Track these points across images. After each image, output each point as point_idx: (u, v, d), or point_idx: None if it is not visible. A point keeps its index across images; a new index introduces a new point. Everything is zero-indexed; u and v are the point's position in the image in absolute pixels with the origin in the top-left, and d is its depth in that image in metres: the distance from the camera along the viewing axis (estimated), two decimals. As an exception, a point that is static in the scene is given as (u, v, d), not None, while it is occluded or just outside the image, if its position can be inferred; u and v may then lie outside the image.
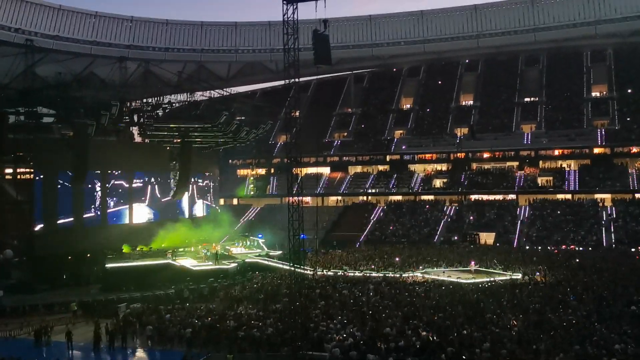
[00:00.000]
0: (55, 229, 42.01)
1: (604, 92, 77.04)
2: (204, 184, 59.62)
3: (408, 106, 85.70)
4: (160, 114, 46.06)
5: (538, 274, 38.22)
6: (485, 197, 67.61)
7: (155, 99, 46.97)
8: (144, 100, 46.87)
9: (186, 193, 52.71)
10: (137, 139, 50.03)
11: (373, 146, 78.74)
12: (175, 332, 26.12)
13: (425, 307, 28.33)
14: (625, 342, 21.37)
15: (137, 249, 46.19)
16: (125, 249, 45.22)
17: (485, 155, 72.60)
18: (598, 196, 63.09)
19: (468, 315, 26.29)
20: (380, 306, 29.02)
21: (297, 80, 25.59)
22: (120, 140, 48.43)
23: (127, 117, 46.14)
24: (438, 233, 61.39)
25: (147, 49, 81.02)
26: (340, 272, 40.58)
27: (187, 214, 55.40)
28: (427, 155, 75.32)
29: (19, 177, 44.10)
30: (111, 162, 46.60)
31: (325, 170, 78.47)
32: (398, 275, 38.93)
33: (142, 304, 32.54)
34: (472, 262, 41.92)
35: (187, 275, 40.09)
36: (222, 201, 69.15)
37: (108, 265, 40.78)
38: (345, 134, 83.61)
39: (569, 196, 64.43)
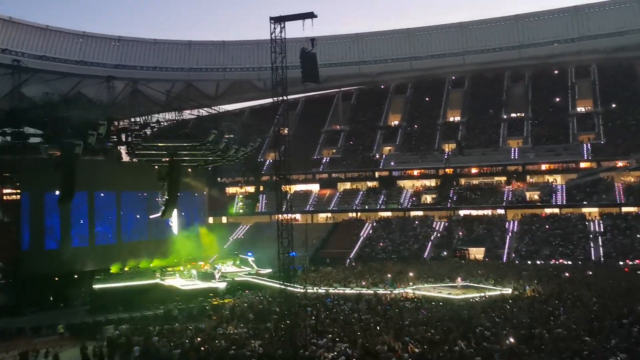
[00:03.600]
0: (42, 250, 41.55)
1: (589, 107, 78.05)
2: (193, 203, 59.26)
3: (396, 123, 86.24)
4: (148, 133, 45.83)
5: (528, 288, 38.29)
6: (474, 212, 67.89)
7: (144, 118, 46.75)
8: (132, 120, 46.66)
9: (175, 211, 52.36)
10: (125, 158, 49.77)
11: (362, 163, 79.02)
12: (164, 353, 25.76)
13: (416, 323, 28.23)
14: (616, 355, 21.38)
15: (125, 268, 45.75)
16: (113, 269, 44.79)
17: (473, 170, 73.07)
18: (585, 210, 63.58)
19: (459, 330, 26.23)
20: (372, 323, 28.88)
21: (285, 98, 25.73)
22: (108, 159, 48.11)
23: (114, 137, 45.84)
24: (428, 249, 61.45)
25: (135, 68, 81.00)
26: (330, 290, 40.42)
27: (174, 233, 55.00)
28: (415, 171, 75.64)
29: (5, 198, 43.68)
30: (99, 182, 46.31)
31: (315, 188, 78.50)
32: (389, 292, 38.85)
33: (130, 325, 32.15)
34: (459, 279, 41.92)
35: (176, 295, 39.73)
36: (211, 219, 68.72)
37: (96, 286, 40.31)
38: (334, 150, 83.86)
39: (556, 210, 64.87)
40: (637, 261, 51.16)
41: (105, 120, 42.65)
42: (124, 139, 45.89)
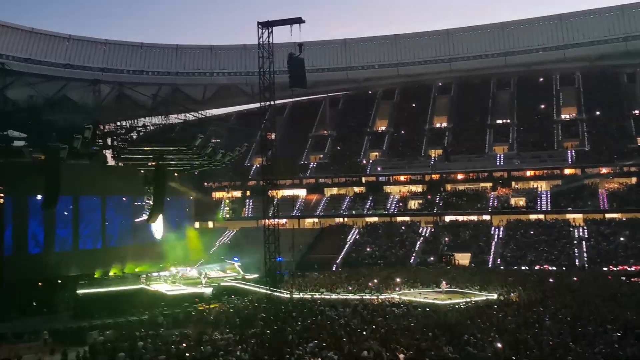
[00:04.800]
0: (25, 254, 41.07)
1: (573, 114, 78.89)
2: (179, 207, 58.97)
3: (383, 128, 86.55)
4: (134, 137, 45.60)
5: (513, 294, 38.50)
6: (460, 218, 68.21)
7: (130, 122, 46.52)
8: (118, 123, 46.38)
9: (160, 216, 52.07)
10: (111, 162, 49.42)
11: (349, 168, 79.14)
12: (149, 359, 25.52)
13: (402, 329, 28.25)
14: (599, 361, 21.56)
15: (110, 273, 45.35)
16: (98, 274, 44.39)
17: (459, 176, 73.52)
18: (570, 216, 64.17)
19: (445, 336, 26.28)
20: (358, 329, 28.85)
21: (272, 102, 25.76)
22: (94, 163, 47.72)
23: (100, 141, 45.50)
24: (414, 254, 61.61)
25: (121, 71, 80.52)
26: (317, 295, 40.33)
27: (160, 237, 54.65)
28: (402, 177, 75.90)
29: (-12, 202, 43.08)
30: (84, 186, 45.94)
31: (301, 193, 78.45)
32: (375, 297, 38.85)
33: (115, 331, 31.82)
34: (444, 283, 42.06)
35: (162, 300, 39.40)
36: (197, 224, 68.42)
37: (80, 291, 39.89)
38: (321, 156, 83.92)
39: (541, 216, 65.41)
40: (621, 267, 51.71)
41: (91, 124, 42.35)
42: (109, 143, 45.56)
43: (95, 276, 44.01)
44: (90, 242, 47.01)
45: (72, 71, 75.93)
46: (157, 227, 53.47)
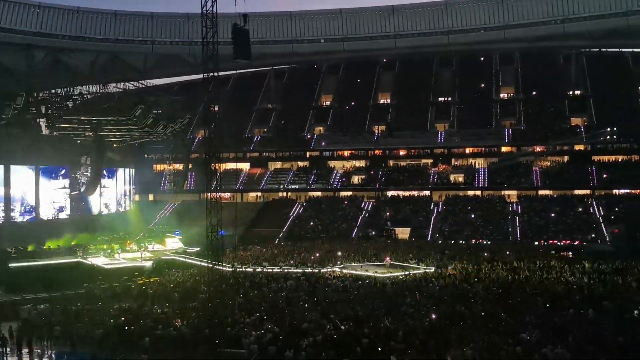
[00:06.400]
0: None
1: (512, 94, 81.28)
2: (118, 179, 57.46)
3: (328, 103, 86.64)
4: (70, 105, 43.86)
5: (450, 267, 39.82)
6: (401, 193, 69.56)
7: (65, 89, 44.67)
8: (53, 91, 44.48)
9: (98, 188, 50.62)
10: (45, 131, 47.41)
11: (293, 142, 79.00)
12: (85, 332, 25.03)
13: (343, 301, 28.80)
14: (528, 331, 22.71)
15: (45, 246, 43.89)
16: (31, 247, 42.86)
17: (402, 152, 74.74)
18: (505, 193, 66.58)
19: (384, 307, 27.00)
20: (300, 301, 29.21)
21: (216, 74, 25.27)
22: (27, 132, 45.68)
23: (34, 109, 43.61)
24: (356, 228, 62.52)
25: (57, 37, 76.53)
26: (259, 269, 40.45)
27: (98, 210, 53.20)
28: (346, 152, 76.47)
29: None
30: (16, 156, 43.98)
31: (245, 166, 77.90)
32: (317, 271, 39.31)
33: (50, 305, 30.97)
34: (388, 258, 42.97)
35: (100, 274, 38.56)
36: (137, 197, 66.92)
37: (12, 265, 38.47)
38: (265, 129, 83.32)
39: (478, 192, 67.56)
40: (551, 241, 54.26)
41: (24, 91, 40.50)
42: (43, 111, 43.71)
43: (28, 249, 42.44)
44: (23, 215, 45.23)
45: (2, 34, 71.64)
46: (95, 200, 52.00)
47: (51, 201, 47.51)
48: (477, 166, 71.17)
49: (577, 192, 64.45)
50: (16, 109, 39.98)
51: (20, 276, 37.51)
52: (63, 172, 48.57)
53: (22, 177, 45.12)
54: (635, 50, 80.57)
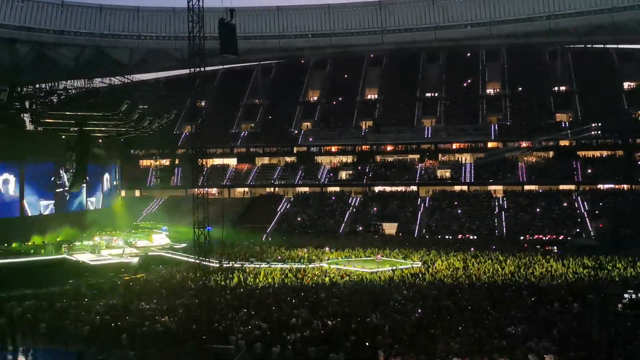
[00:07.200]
0: None
1: (498, 90, 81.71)
2: (104, 175, 57.00)
3: (315, 98, 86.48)
4: (55, 100, 43.40)
5: (437, 262, 40.05)
6: (388, 188, 69.75)
7: (50, 84, 44.17)
8: (37, 86, 43.95)
9: (84, 184, 50.17)
10: (30, 127, 46.85)
11: (280, 138, 78.79)
12: (72, 329, 24.85)
13: (330, 297, 28.85)
14: (514, 325, 22.94)
15: (29, 243, 43.46)
16: (15, 243, 42.41)
17: (389, 148, 74.87)
18: (491, 188, 67.04)
19: (371, 303, 27.10)
20: (288, 297, 29.23)
21: (202, 69, 25.11)
22: (10, 128, 45.12)
23: (17, 104, 43.07)
24: (344, 224, 62.62)
25: (41, 31, 75.81)
26: (247, 264, 40.41)
27: (84, 206, 52.75)
28: (333, 148, 76.48)
29: None
30: (0, 151, 43.44)
31: (232, 162, 77.64)
32: (305, 266, 39.35)
33: (35, 302, 30.68)
34: (378, 255, 43.04)
35: (86, 270, 38.28)
36: (123, 193, 66.48)
37: (-4, 262, 38.04)
38: (253, 125, 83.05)
39: (465, 188, 67.94)
40: (536, 236, 54.74)
41: (7, 86, 39.98)
42: (27, 106, 43.20)
43: (13, 246, 41.98)
44: (7, 211, 44.69)
45: (-15, 29, 70.92)
46: (81, 196, 51.55)
47: (36, 197, 47.00)
48: (463, 161, 71.53)
49: (562, 187, 64.97)
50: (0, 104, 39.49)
51: (4, 273, 37.06)
52: (48, 167, 48.06)
53: (6, 172, 44.56)
54: (620, 46, 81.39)
